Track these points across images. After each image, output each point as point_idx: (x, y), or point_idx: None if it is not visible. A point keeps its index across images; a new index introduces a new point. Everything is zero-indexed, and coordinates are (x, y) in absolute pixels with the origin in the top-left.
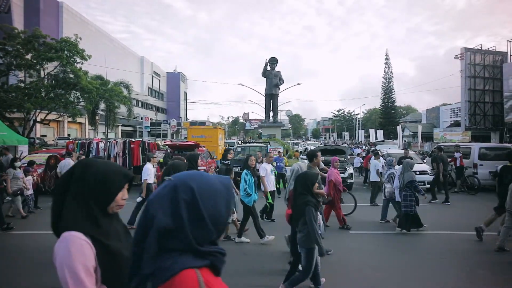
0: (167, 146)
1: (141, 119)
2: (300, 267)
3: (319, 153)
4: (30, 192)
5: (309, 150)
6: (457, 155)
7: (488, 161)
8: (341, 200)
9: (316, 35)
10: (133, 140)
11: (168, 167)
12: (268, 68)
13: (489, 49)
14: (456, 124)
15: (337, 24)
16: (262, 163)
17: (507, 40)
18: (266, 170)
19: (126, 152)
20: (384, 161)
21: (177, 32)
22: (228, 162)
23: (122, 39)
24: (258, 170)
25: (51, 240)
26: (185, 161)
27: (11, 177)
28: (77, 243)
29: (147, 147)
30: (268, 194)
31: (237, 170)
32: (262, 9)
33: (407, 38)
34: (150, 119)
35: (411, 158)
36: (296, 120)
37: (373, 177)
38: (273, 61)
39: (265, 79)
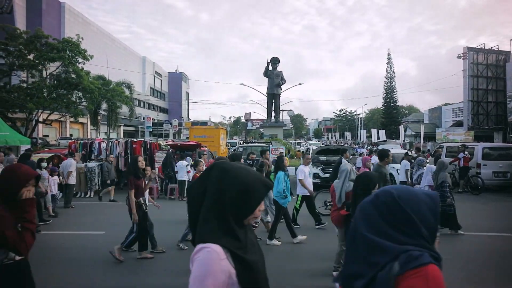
0: (168, 146)
1: (143, 119)
2: None
3: (390, 153)
4: (55, 191)
5: (380, 149)
6: (460, 155)
7: (492, 161)
8: None
9: (318, 34)
10: (135, 140)
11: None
12: (270, 68)
13: (492, 48)
14: (459, 124)
15: (338, 24)
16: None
17: (511, 39)
18: (304, 172)
19: (128, 152)
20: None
21: (178, 32)
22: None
23: (124, 39)
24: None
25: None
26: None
27: None
28: (213, 258)
29: (149, 147)
30: (299, 198)
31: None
32: (263, 9)
33: (408, 37)
34: (152, 119)
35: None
36: (297, 120)
37: (402, 178)
38: (274, 61)
39: (267, 79)
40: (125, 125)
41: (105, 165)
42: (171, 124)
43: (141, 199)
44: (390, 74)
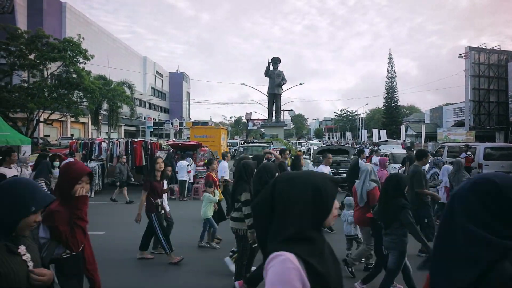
0: (169, 146)
1: (144, 119)
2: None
3: (428, 153)
4: None
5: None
6: (462, 155)
7: (494, 161)
8: None
9: (319, 34)
10: (135, 140)
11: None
12: (271, 67)
13: (494, 48)
14: (460, 124)
15: (339, 24)
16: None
17: None
18: (325, 173)
19: (129, 152)
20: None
21: (179, 32)
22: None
23: (125, 39)
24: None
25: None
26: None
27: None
28: (288, 266)
29: (149, 147)
30: None
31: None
32: (264, 9)
33: (409, 37)
34: (153, 119)
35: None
36: (298, 120)
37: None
38: (275, 61)
39: (267, 78)
40: (126, 125)
41: (118, 167)
42: (172, 124)
43: (158, 200)
44: (391, 74)
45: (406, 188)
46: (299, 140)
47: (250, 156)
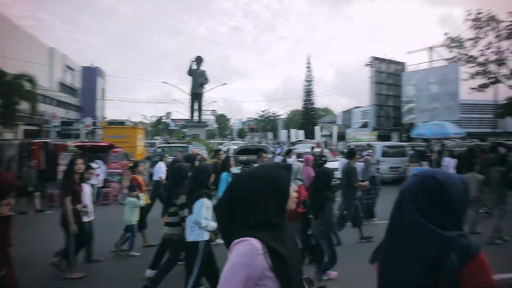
0: (77, 148)
1: (49, 117)
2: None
3: (357, 152)
4: None
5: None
6: (364, 153)
7: (389, 158)
8: None
9: (244, 36)
10: (34, 141)
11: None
12: (194, 66)
13: (392, 59)
14: (366, 125)
15: (264, 27)
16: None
17: (406, 52)
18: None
19: (25, 155)
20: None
21: (96, 23)
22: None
23: (28, 26)
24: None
25: None
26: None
27: None
28: (251, 251)
29: (52, 149)
30: None
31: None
32: (190, 7)
33: (327, 45)
34: (61, 117)
35: (325, 156)
36: (222, 120)
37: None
38: (198, 60)
39: (190, 77)
40: (26, 124)
41: (25, 171)
42: (83, 123)
43: (79, 206)
44: (309, 78)
45: (331, 181)
46: (223, 140)
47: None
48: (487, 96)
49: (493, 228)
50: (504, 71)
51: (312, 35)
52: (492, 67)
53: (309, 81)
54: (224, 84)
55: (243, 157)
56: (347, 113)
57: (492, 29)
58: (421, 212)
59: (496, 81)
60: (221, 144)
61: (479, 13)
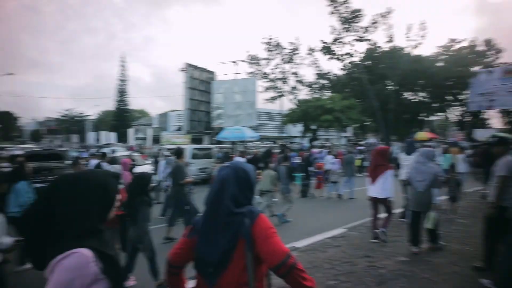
0: None
1: None
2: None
3: (184, 152)
4: None
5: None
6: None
7: (198, 159)
8: None
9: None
10: None
11: None
12: None
13: (204, 68)
14: (181, 129)
15: (71, 13)
16: None
17: (217, 63)
18: None
19: None
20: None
21: None
22: None
23: None
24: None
25: None
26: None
27: None
28: (83, 262)
29: None
30: None
31: None
32: None
33: (145, 44)
34: None
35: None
36: (5, 118)
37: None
38: None
39: None
40: None
41: None
42: None
43: None
44: (124, 77)
45: (149, 185)
46: (7, 144)
47: None
48: (276, 106)
49: (282, 210)
50: (286, 87)
51: (128, 33)
52: (279, 84)
53: (123, 80)
54: (11, 74)
55: (32, 164)
56: (164, 116)
57: (279, 53)
58: (233, 196)
59: (282, 95)
60: (1, 149)
61: (270, 39)
